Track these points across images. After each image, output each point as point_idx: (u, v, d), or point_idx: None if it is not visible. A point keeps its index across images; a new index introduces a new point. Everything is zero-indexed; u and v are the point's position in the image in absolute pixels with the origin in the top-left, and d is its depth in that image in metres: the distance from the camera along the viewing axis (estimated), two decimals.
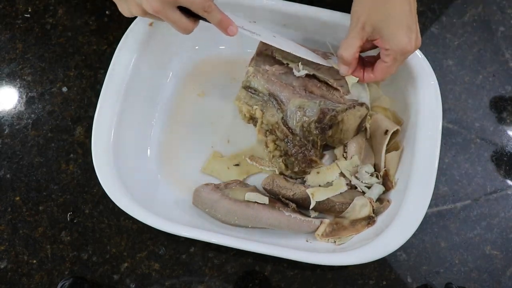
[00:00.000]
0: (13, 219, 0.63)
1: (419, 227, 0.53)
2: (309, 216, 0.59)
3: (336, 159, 0.62)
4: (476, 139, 0.67)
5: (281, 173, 0.61)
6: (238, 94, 0.60)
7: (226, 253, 0.61)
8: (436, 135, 0.56)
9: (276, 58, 0.61)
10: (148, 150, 0.64)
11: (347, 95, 0.58)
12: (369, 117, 0.61)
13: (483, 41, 0.72)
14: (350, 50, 0.54)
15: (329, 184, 0.60)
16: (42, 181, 0.64)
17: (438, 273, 0.61)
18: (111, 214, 0.63)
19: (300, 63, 0.60)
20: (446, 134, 0.66)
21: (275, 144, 0.59)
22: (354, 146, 0.61)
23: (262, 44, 0.61)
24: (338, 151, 0.62)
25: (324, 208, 0.58)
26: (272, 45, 0.57)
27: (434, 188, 0.54)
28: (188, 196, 0.60)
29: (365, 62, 0.58)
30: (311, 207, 0.57)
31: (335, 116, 0.56)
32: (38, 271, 0.61)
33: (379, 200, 0.59)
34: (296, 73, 0.59)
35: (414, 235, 0.53)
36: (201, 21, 0.52)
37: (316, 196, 0.57)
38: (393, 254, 0.60)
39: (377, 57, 0.56)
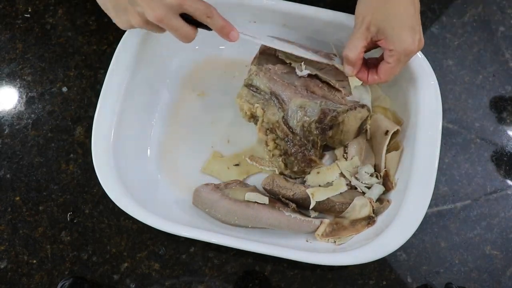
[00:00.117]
0: (13, 219, 0.63)
1: (419, 227, 0.53)
2: (309, 216, 0.59)
3: (337, 159, 0.62)
4: (476, 139, 0.67)
5: (281, 173, 0.61)
6: (240, 92, 0.60)
7: (226, 253, 0.61)
8: (436, 135, 0.56)
9: (279, 57, 0.61)
10: (148, 150, 0.64)
11: (348, 96, 0.58)
12: (369, 118, 0.61)
13: (483, 41, 0.72)
14: (355, 50, 0.54)
15: (329, 184, 0.60)
16: (42, 181, 0.64)
17: (438, 273, 0.61)
18: (111, 214, 0.63)
19: (302, 63, 0.60)
20: (446, 134, 0.66)
21: (275, 143, 0.59)
22: (354, 147, 0.61)
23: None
24: (339, 151, 0.62)
25: (324, 208, 0.58)
26: (274, 47, 0.57)
27: (434, 188, 0.54)
28: (188, 196, 0.60)
29: (368, 63, 0.57)
30: (311, 207, 0.57)
31: (336, 117, 0.56)
32: (38, 271, 0.61)
33: (379, 200, 0.59)
34: (299, 73, 0.59)
35: (414, 235, 0.53)
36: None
37: (316, 196, 0.57)
38: (393, 254, 0.60)
39: (380, 58, 0.56)
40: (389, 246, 0.53)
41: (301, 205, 0.59)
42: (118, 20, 0.51)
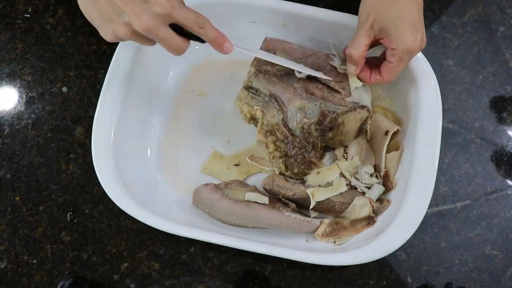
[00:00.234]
0: (13, 219, 0.63)
1: (419, 227, 0.53)
2: (309, 216, 0.59)
3: (337, 160, 0.62)
4: (476, 139, 0.67)
5: (281, 173, 0.61)
6: (239, 94, 0.60)
7: (226, 253, 0.61)
8: (436, 135, 0.56)
9: None
10: (148, 150, 0.64)
11: (348, 97, 0.58)
12: (369, 118, 0.61)
13: (483, 41, 0.72)
14: (359, 48, 0.54)
15: (329, 184, 0.60)
16: (42, 181, 0.64)
17: (438, 273, 0.61)
18: (111, 214, 0.63)
19: (302, 64, 0.60)
20: (446, 134, 0.66)
21: (275, 145, 0.59)
22: (355, 147, 0.61)
23: (265, 44, 0.62)
24: (339, 151, 0.62)
25: (324, 208, 0.58)
26: (268, 60, 0.57)
27: (434, 188, 0.54)
28: (188, 196, 0.60)
29: (369, 63, 0.57)
30: (311, 207, 0.57)
31: (336, 119, 0.56)
32: (38, 271, 0.61)
33: (379, 200, 0.59)
34: (298, 75, 0.59)
35: (414, 235, 0.53)
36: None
37: (316, 196, 0.57)
38: (393, 254, 0.60)
39: (381, 58, 0.56)
40: (389, 246, 0.53)
41: (301, 205, 0.59)
42: (104, 31, 0.47)
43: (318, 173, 0.60)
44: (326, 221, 0.58)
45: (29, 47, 0.71)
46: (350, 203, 0.57)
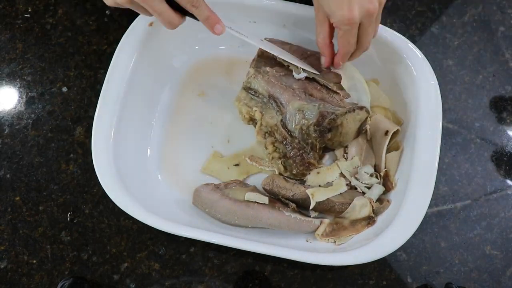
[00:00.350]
0: (13, 219, 0.63)
1: (419, 227, 0.53)
2: (309, 216, 0.59)
3: (337, 160, 0.62)
4: (476, 139, 0.67)
5: (280, 174, 0.61)
6: (238, 95, 0.60)
7: (226, 253, 0.61)
8: (436, 135, 0.56)
9: (277, 59, 0.61)
10: (148, 150, 0.64)
11: (347, 98, 0.58)
12: (369, 118, 0.61)
13: (483, 41, 0.72)
14: (318, 37, 0.55)
15: (329, 184, 0.60)
16: (42, 181, 0.64)
17: (438, 273, 0.61)
18: (111, 214, 0.63)
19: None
20: (446, 134, 0.66)
21: (274, 146, 0.59)
22: (355, 147, 0.61)
23: None
24: (339, 151, 0.62)
25: (324, 208, 0.58)
26: (262, 48, 0.57)
27: (434, 188, 0.54)
28: (188, 196, 0.60)
29: None
30: (311, 207, 0.57)
31: (334, 120, 0.56)
32: (38, 271, 0.61)
33: (379, 200, 0.59)
34: (296, 76, 0.59)
35: (414, 235, 0.53)
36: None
37: (316, 196, 0.57)
38: (393, 254, 0.60)
39: None
40: (389, 246, 0.53)
41: (301, 205, 0.59)
42: None
43: (318, 173, 0.60)
44: (326, 221, 0.58)
45: (29, 47, 0.71)
46: (350, 203, 0.57)
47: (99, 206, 0.63)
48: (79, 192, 0.64)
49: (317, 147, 0.58)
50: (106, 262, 0.61)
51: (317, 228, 0.57)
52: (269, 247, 0.53)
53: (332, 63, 0.58)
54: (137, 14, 0.61)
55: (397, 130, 0.60)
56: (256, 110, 0.58)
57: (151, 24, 0.61)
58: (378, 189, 0.59)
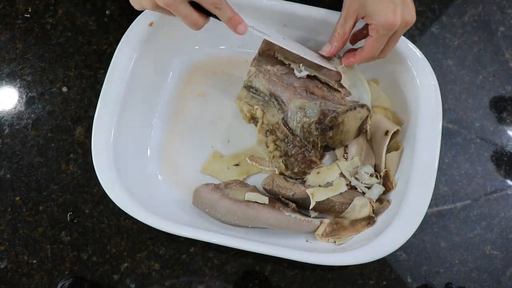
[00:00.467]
0: (13, 219, 0.63)
1: (419, 227, 0.53)
2: (309, 216, 0.59)
3: (337, 159, 0.62)
4: (476, 139, 0.67)
5: (281, 173, 0.61)
6: (239, 94, 0.60)
7: (226, 253, 0.61)
8: (436, 135, 0.56)
9: (278, 58, 0.61)
10: (148, 150, 0.64)
11: (348, 96, 0.58)
12: (369, 118, 0.61)
13: (483, 41, 0.72)
14: (340, 30, 0.55)
15: (329, 184, 0.60)
16: (42, 181, 0.64)
17: (438, 273, 0.61)
18: (111, 214, 0.63)
19: (301, 64, 0.60)
20: (446, 134, 0.66)
21: (275, 144, 0.59)
22: (355, 147, 0.61)
23: (265, 44, 0.61)
24: (339, 151, 0.62)
25: (324, 208, 0.58)
26: (282, 46, 0.57)
27: (434, 188, 0.54)
28: (188, 196, 0.60)
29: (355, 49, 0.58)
30: (311, 207, 0.57)
31: (336, 118, 0.56)
32: (38, 271, 0.61)
33: (379, 200, 0.59)
34: (298, 74, 0.59)
35: (414, 235, 0.53)
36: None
37: (316, 196, 0.57)
38: (393, 254, 0.60)
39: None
40: (389, 246, 0.53)
41: (301, 205, 0.59)
42: (133, 1, 0.53)
43: (318, 173, 0.60)
44: (326, 221, 0.58)
45: (29, 47, 0.71)
46: (350, 203, 0.57)
47: (99, 206, 0.63)
48: (79, 192, 0.64)
49: (319, 145, 0.58)
50: (106, 262, 0.61)
51: (317, 228, 0.57)
52: (269, 247, 0.53)
53: (334, 54, 0.58)
54: (137, 14, 0.61)
55: (397, 130, 0.60)
56: (257, 109, 0.59)
57: (151, 24, 0.61)
58: (378, 189, 0.59)
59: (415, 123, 0.58)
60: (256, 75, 0.59)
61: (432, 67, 0.59)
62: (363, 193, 0.59)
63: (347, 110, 0.56)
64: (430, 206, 0.54)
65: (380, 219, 0.57)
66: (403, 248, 0.57)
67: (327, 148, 0.62)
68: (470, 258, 0.61)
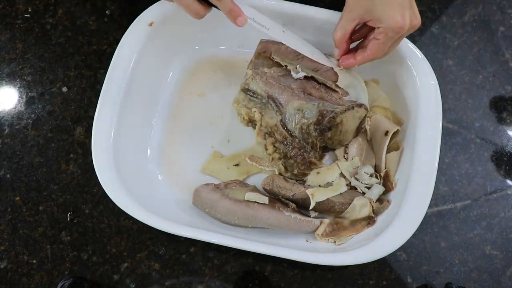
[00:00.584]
0: (13, 219, 0.63)
1: (419, 227, 0.53)
2: (309, 216, 0.59)
3: (337, 160, 0.62)
4: (476, 139, 0.67)
5: (280, 174, 0.61)
6: (237, 97, 0.60)
7: (226, 253, 0.61)
8: (436, 135, 0.56)
9: (275, 60, 0.61)
10: (148, 150, 0.64)
11: (345, 96, 0.58)
12: (368, 118, 0.61)
13: (483, 41, 0.72)
14: (340, 31, 0.55)
15: (329, 184, 0.60)
16: (42, 181, 0.64)
17: (438, 273, 0.61)
18: (111, 214, 0.63)
19: (298, 65, 0.60)
20: (446, 134, 0.66)
21: (274, 146, 0.59)
22: (355, 147, 0.61)
23: (261, 46, 0.61)
24: (339, 151, 0.62)
25: (324, 209, 0.58)
26: (280, 41, 0.57)
27: (434, 188, 0.54)
28: (188, 196, 0.60)
29: (355, 49, 0.58)
30: (310, 207, 0.57)
31: (334, 118, 0.56)
32: (38, 271, 0.61)
33: (379, 200, 0.59)
34: (295, 75, 0.59)
35: (414, 235, 0.53)
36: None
37: (316, 196, 0.57)
38: (393, 254, 0.60)
39: (371, 39, 0.56)
40: (389, 246, 0.53)
41: (301, 205, 0.59)
42: None
43: (318, 173, 0.60)
44: (326, 221, 0.58)
45: (29, 47, 0.71)
46: (350, 203, 0.57)
47: (99, 206, 0.63)
48: (79, 192, 0.64)
49: (318, 146, 0.58)
50: (106, 262, 0.61)
51: (317, 228, 0.57)
52: (269, 247, 0.53)
53: (342, 56, 0.58)
54: (137, 14, 0.61)
55: (397, 130, 0.60)
56: (255, 111, 0.58)
57: (151, 24, 0.61)
58: (378, 189, 0.59)
59: (415, 123, 0.58)
60: (253, 77, 0.59)
61: (432, 67, 0.59)
62: (363, 193, 0.59)
63: (345, 110, 0.56)
64: (430, 206, 0.54)
65: (380, 219, 0.57)
66: (403, 248, 0.57)
67: (326, 149, 0.62)
68: (470, 258, 0.61)
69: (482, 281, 0.61)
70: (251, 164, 0.63)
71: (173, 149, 0.65)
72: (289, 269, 0.60)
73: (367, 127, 0.61)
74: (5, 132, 0.66)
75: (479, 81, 0.70)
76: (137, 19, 0.61)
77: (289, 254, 0.53)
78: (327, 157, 0.63)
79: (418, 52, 0.59)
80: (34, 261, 0.61)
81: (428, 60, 0.59)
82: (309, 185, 0.60)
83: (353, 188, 0.60)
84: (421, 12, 0.72)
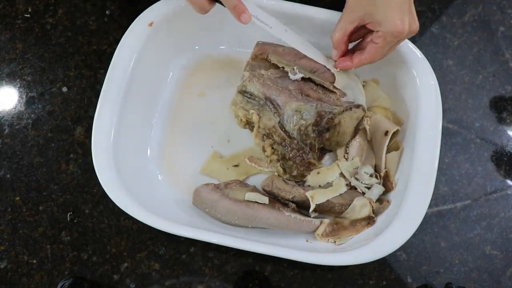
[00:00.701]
0: (13, 219, 0.63)
1: (419, 227, 0.53)
2: (309, 216, 0.59)
3: (337, 160, 0.62)
4: (476, 139, 0.67)
5: (279, 176, 0.61)
6: (234, 99, 0.60)
7: (226, 253, 0.61)
8: (436, 135, 0.56)
9: (272, 62, 0.60)
10: (148, 150, 0.64)
11: (343, 97, 0.58)
12: (368, 118, 0.61)
13: (483, 41, 0.72)
14: (339, 33, 0.55)
15: (329, 184, 0.60)
16: (42, 181, 0.64)
17: (438, 273, 0.61)
18: (111, 214, 0.63)
19: (295, 66, 0.59)
20: (446, 134, 0.66)
21: (272, 148, 0.59)
22: (355, 148, 0.61)
23: (257, 48, 0.61)
24: (340, 151, 0.62)
25: (324, 209, 0.58)
26: (282, 39, 0.57)
27: (434, 188, 0.54)
28: (188, 196, 0.60)
29: (354, 50, 0.58)
30: (310, 210, 0.57)
31: (332, 119, 0.56)
32: (38, 271, 0.61)
33: (379, 200, 0.59)
34: (292, 77, 0.59)
35: (414, 235, 0.53)
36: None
37: (316, 199, 0.57)
38: (393, 254, 0.60)
39: (369, 42, 0.56)
40: (389, 246, 0.53)
41: (301, 206, 0.59)
42: None
43: (318, 173, 0.60)
44: (326, 221, 0.58)
45: (29, 47, 0.71)
46: (350, 204, 0.57)
47: (99, 206, 0.63)
48: (79, 192, 0.64)
49: (316, 147, 0.58)
50: (106, 262, 0.61)
51: (317, 228, 0.57)
52: (269, 247, 0.53)
53: (339, 57, 0.58)
54: (137, 14, 0.61)
55: (397, 130, 0.60)
56: (253, 113, 0.58)
57: (151, 24, 0.61)
58: (378, 189, 0.59)
59: (415, 123, 0.58)
60: (250, 79, 0.59)
61: (432, 67, 0.59)
62: (363, 193, 0.59)
63: (343, 111, 0.56)
64: (430, 206, 0.54)
65: (380, 219, 0.57)
66: (403, 248, 0.57)
67: (324, 150, 0.62)
68: (470, 258, 0.61)
69: (482, 281, 0.61)
70: (251, 165, 0.63)
71: (173, 149, 0.65)
72: (289, 269, 0.60)
73: (367, 127, 0.61)
74: (5, 132, 0.66)
75: (479, 81, 0.70)
76: (137, 19, 0.61)
77: (289, 254, 0.53)
78: (327, 157, 0.63)
79: (418, 52, 0.59)
80: (34, 261, 0.61)
81: (428, 60, 0.59)
82: (309, 186, 0.60)
83: (353, 188, 0.60)
84: (421, 12, 0.73)
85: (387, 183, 0.60)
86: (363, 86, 0.62)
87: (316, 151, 0.59)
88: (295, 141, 0.57)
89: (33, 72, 0.69)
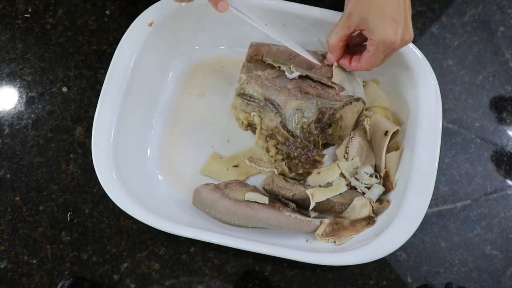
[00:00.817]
0: (13, 219, 0.63)
1: (419, 227, 0.53)
2: (309, 216, 0.59)
3: (337, 160, 0.62)
4: (476, 139, 0.67)
5: (281, 174, 0.61)
6: (234, 102, 0.60)
7: (226, 253, 0.61)
8: (436, 135, 0.56)
9: (267, 62, 0.60)
10: (148, 150, 0.64)
11: (342, 91, 0.58)
12: (368, 118, 0.61)
13: (483, 41, 0.72)
14: (335, 36, 0.55)
15: (329, 184, 0.60)
16: (42, 181, 0.64)
17: (438, 273, 0.61)
18: (111, 214, 0.63)
19: (292, 65, 0.59)
20: (446, 134, 0.66)
21: (276, 148, 0.59)
22: (355, 148, 0.61)
23: (251, 49, 0.61)
24: (340, 151, 0.62)
25: (324, 209, 0.58)
26: (263, 31, 0.57)
27: (434, 188, 0.54)
28: (188, 196, 0.60)
29: (355, 52, 0.58)
30: (310, 208, 0.57)
31: (334, 114, 0.55)
32: (38, 271, 0.61)
33: (379, 200, 0.59)
34: (289, 76, 0.59)
35: (414, 235, 0.53)
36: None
37: (316, 197, 0.57)
38: (393, 254, 0.60)
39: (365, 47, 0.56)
40: (389, 246, 0.53)
41: (301, 206, 0.59)
42: None
43: (319, 173, 0.60)
44: (326, 221, 0.58)
45: (29, 47, 0.71)
46: (350, 204, 0.57)
47: (99, 206, 0.63)
48: (79, 192, 0.64)
49: (320, 144, 0.58)
50: (106, 262, 0.61)
51: (317, 228, 0.57)
52: (269, 247, 0.53)
53: (335, 61, 0.58)
54: (137, 14, 0.61)
55: (397, 130, 0.60)
56: (254, 115, 0.58)
57: (151, 24, 0.61)
58: (378, 189, 0.59)
59: (415, 123, 0.58)
60: (247, 81, 0.58)
61: (432, 67, 0.59)
62: (363, 193, 0.59)
63: (343, 105, 0.56)
64: (430, 206, 0.54)
65: (380, 219, 0.57)
66: (403, 248, 0.57)
67: (327, 144, 0.62)
68: (470, 258, 0.61)
69: (482, 281, 0.61)
70: (250, 165, 0.63)
71: (173, 149, 0.65)
72: (289, 269, 0.60)
73: (367, 127, 0.61)
74: (5, 132, 0.66)
75: (479, 81, 0.70)
76: (137, 19, 0.61)
77: (289, 254, 0.53)
78: (327, 157, 0.63)
79: (418, 52, 0.59)
80: (34, 261, 0.61)
81: (428, 60, 0.59)
82: (309, 185, 0.60)
83: (353, 188, 0.60)
84: (421, 12, 0.73)
85: (387, 183, 0.60)
86: (363, 86, 0.62)
87: (320, 147, 0.59)
88: (299, 140, 0.57)
89: (33, 72, 0.69)
